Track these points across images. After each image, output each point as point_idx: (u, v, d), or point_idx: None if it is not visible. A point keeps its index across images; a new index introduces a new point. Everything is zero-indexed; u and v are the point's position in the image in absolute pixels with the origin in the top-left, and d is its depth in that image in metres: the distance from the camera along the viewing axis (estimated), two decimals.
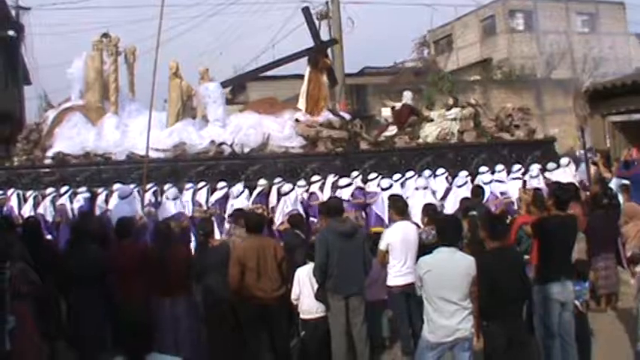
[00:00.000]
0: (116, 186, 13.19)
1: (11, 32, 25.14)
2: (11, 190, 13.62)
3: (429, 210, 8.96)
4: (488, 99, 22.23)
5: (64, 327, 7.98)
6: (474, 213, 8.71)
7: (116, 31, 16.22)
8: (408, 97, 17.57)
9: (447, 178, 14.12)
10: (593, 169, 13.38)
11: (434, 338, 5.96)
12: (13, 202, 13.38)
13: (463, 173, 13.81)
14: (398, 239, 7.79)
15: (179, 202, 12.90)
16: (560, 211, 6.93)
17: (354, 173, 13.99)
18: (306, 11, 18.95)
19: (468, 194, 11.43)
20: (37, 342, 7.09)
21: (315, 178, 13.69)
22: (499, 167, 14.44)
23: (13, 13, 25.56)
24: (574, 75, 29.75)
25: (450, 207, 12.17)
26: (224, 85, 17.34)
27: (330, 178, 13.62)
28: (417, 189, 12.91)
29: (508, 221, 10.68)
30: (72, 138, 15.13)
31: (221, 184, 13.54)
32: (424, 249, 7.17)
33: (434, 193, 13.28)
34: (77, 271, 7.56)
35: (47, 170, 14.50)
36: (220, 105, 16.13)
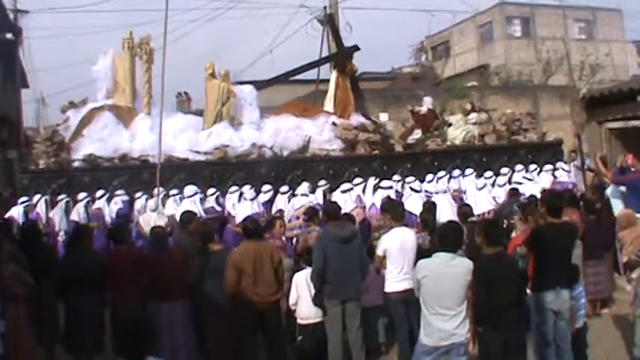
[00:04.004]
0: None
1: (9, 35, 25.11)
2: (37, 195, 12.78)
3: (425, 216, 9.01)
4: (485, 105, 22.26)
5: (60, 330, 7.99)
6: (474, 219, 8.74)
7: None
8: (428, 102, 18.10)
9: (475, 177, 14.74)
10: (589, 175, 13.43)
11: (430, 342, 5.98)
12: (40, 208, 12.53)
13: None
14: (396, 245, 7.80)
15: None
16: (555, 219, 6.95)
17: (397, 177, 14.24)
18: (329, 18, 19.07)
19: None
20: (32, 346, 7.08)
21: (357, 180, 13.76)
22: (518, 167, 15.40)
23: (11, 16, 25.52)
24: (571, 82, 29.75)
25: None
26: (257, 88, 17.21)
27: (371, 181, 13.67)
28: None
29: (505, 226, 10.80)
30: (103, 140, 14.37)
31: (266, 187, 13.33)
32: (421, 254, 7.19)
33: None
34: (76, 275, 7.57)
35: (80, 173, 13.73)
36: (256, 108, 15.96)
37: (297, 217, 11.49)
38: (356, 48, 18.07)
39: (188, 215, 9.84)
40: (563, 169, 15.10)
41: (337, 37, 18.54)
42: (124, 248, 8.25)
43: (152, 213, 11.80)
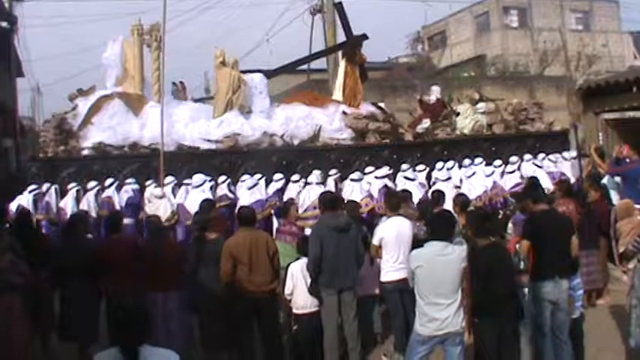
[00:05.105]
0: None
1: (4, 24, 24.98)
2: (47, 184, 12.55)
3: (422, 205, 9.00)
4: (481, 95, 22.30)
5: (56, 320, 7.97)
6: (472, 209, 8.74)
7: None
8: (437, 91, 18.16)
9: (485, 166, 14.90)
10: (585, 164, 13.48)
11: (425, 331, 5.98)
12: (50, 196, 12.31)
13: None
14: (391, 234, 7.81)
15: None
16: (541, 206, 6.96)
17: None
18: (339, 6, 19.04)
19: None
20: (27, 335, 7.05)
21: (369, 169, 13.88)
22: (527, 157, 15.35)
23: (6, 4, 25.39)
24: (567, 72, 29.80)
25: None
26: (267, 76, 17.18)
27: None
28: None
29: (501, 216, 10.80)
30: (112, 128, 14.10)
31: (277, 175, 13.31)
32: (417, 244, 7.18)
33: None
34: (72, 263, 7.56)
35: (90, 161, 13.49)
36: (266, 96, 15.86)
37: (315, 207, 11.50)
38: (365, 37, 18.10)
39: (208, 203, 9.80)
40: (550, 160, 15.16)
41: (346, 25, 18.53)
42: (118, 237, 8.22)
43: (159, 200, 11.73)
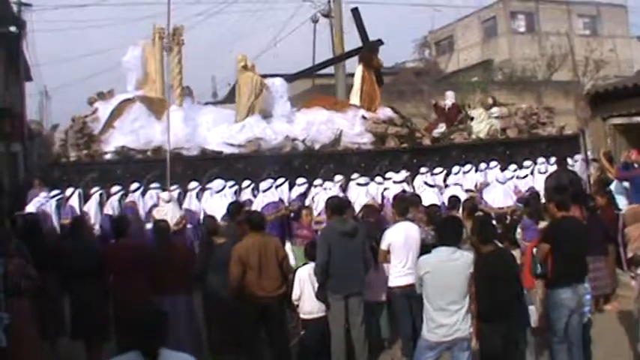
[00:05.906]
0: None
1: (13, 28, 25.05)
2: (70, 189, 12.48)
3: (430, 211, 9.00)
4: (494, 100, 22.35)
5: (66, 323, 8.01)
6: (480, 213, 8.73)
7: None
8: (451, 96, 18.42)
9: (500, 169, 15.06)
10: (593, 170, 13.46)
11: (433, 337, 5.97)
12: (74, 201, 12.26)
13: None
14: (400, 239, 7.80)
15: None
16: (566, 212, 6.95)
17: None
18: (355, 12, 19.18)
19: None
20: (35, 339, 7.08)
21: (389, 174, 13.94)
22: (540, 160, 15.69)
23: (15, 9, 25.47)
24: (575, 77, 29.73)
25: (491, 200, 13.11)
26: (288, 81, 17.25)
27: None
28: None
29: (509, 221, 10.78)
30: (135, 131, 14.17)
31: (300, 180, 13.38)
32: (425, 249, 7.19)
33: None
34: (80, 265, 7.59)
35: (113, 166, 13.55)
36: (287, 101, 16.02)
37: None
38: (380, 42, 18.20)
39: (235, 206, 9.88)
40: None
41: (362, 30, 18.62)
42: (126, 242, 8.23)
43: (167, 204, 11.74)
